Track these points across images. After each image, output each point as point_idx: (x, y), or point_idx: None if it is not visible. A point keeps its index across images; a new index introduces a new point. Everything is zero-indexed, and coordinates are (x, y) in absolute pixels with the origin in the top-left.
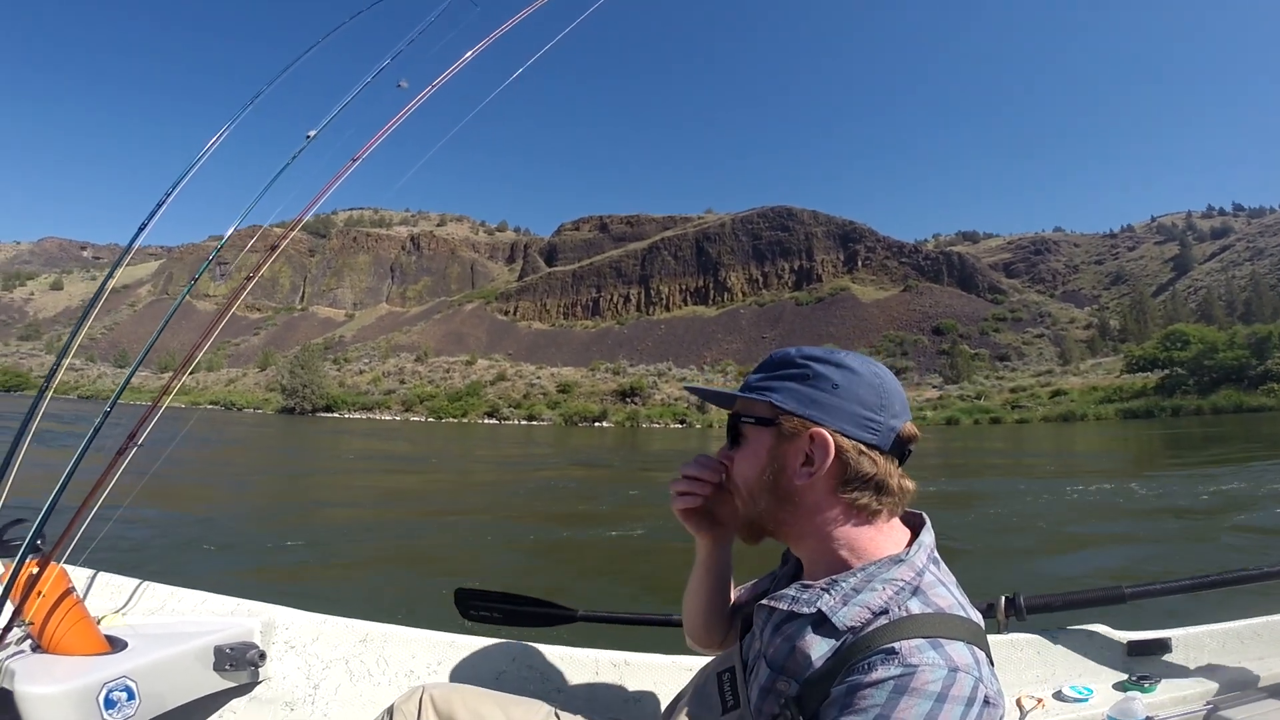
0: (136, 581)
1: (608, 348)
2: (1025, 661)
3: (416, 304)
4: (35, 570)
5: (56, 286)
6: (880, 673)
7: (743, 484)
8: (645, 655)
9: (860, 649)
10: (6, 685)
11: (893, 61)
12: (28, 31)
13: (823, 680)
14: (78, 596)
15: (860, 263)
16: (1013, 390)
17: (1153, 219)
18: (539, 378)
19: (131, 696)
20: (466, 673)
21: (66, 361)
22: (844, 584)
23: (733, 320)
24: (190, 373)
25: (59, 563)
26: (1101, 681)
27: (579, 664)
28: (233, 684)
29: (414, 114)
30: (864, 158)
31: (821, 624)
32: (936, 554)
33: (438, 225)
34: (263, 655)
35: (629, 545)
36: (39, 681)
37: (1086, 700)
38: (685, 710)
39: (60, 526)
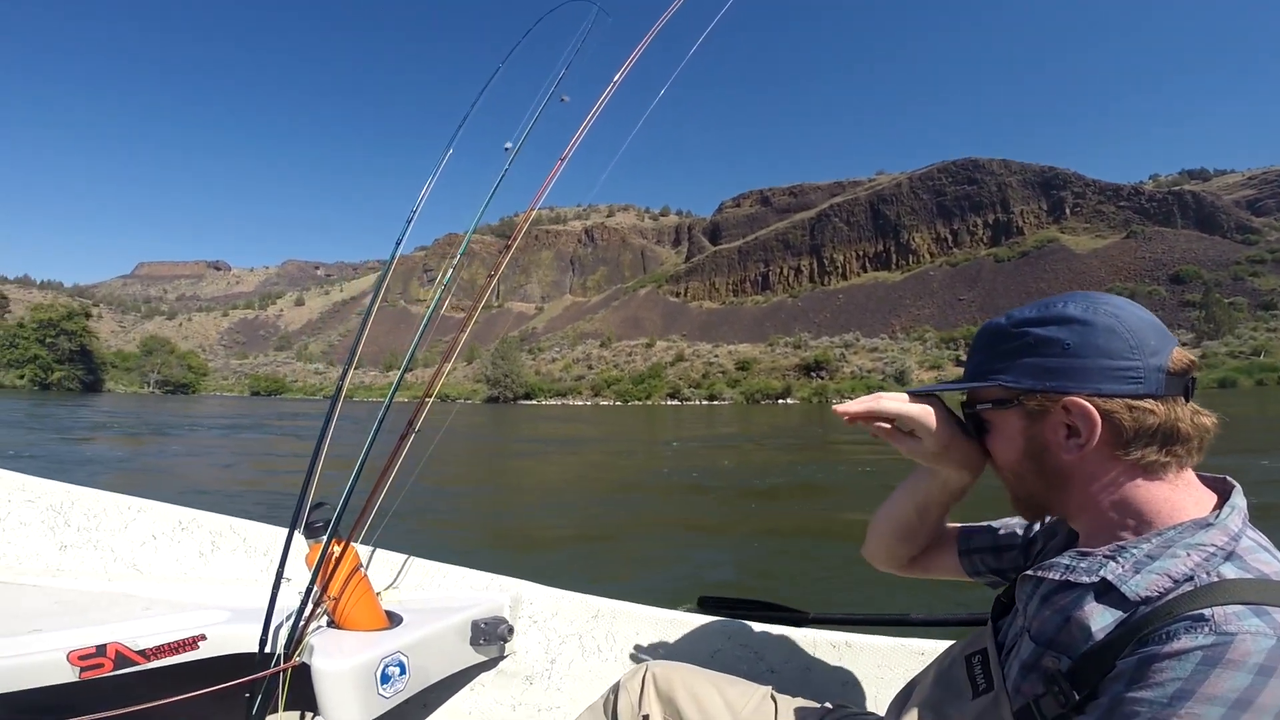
0: (406, 558)
1: (782, 321)
2: None
3: (596, 292)
4: (337, 551)
5: (299, 303)
6: (1184, 642)
7: (1005, 468)
8: (868, 636)
9: (1158, 617)
10: (306, 659)
11: None
12: (264, 89)
13: (1103, 653)
14: (365, 575)
15: (1068, 210)
16: None
17: None
18: (716, 356)
19: (403, 671)
20: (685, 650)
21: (350, 371)
22: (1135, 550)
23: (921, 284)
24: (408, 369)
25: (353, 543)
26: None
27: (796, 644)
28: (484, 658)
29: (575, 119)
30: (1060, 100)
31: (1106, 593)
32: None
33: (608, 216)
34: (511, 630)
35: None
36: (331, 656)
37: None
38: (925, 696)
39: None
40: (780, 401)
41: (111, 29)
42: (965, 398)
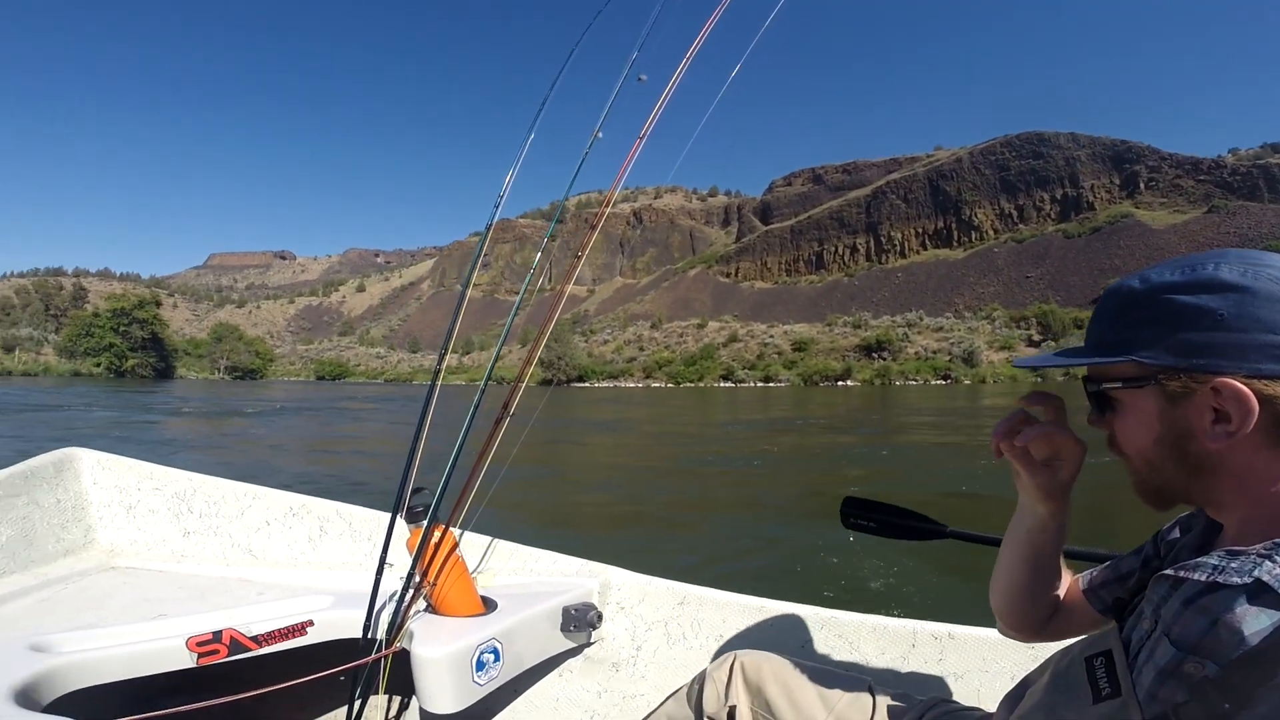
0: (499, 542)
1: (838, 301)
2: None
3: (645, 274)
4: (436, 536)
5: (360, 289)
6: None
7: (1135, 453)
8: (973, 629)
9: None
10: (405, 645)
11: None
12: (331, 88)
13: (1259, 661)
14: (462, 560)
15: (1143, 185)
16: None
17: None
18: (771, 336)
19: (497, 658)
20: (774, 639)
21: (447, 356)
22: None
23: (985, 261)
24: (467, 353)
25: (451, 529)
26: None
27: (894, 635)
28: (573, 644)
29: (650, 98)
30: (1128, 73)
31: (1261, 595)
32: None
33: (655, 198)
34: (600, 616)
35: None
36: (429, 643)
37: None
38: (1039, 698)
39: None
40: (840, 383)
41: (188, 30)
42: (1085, 373)
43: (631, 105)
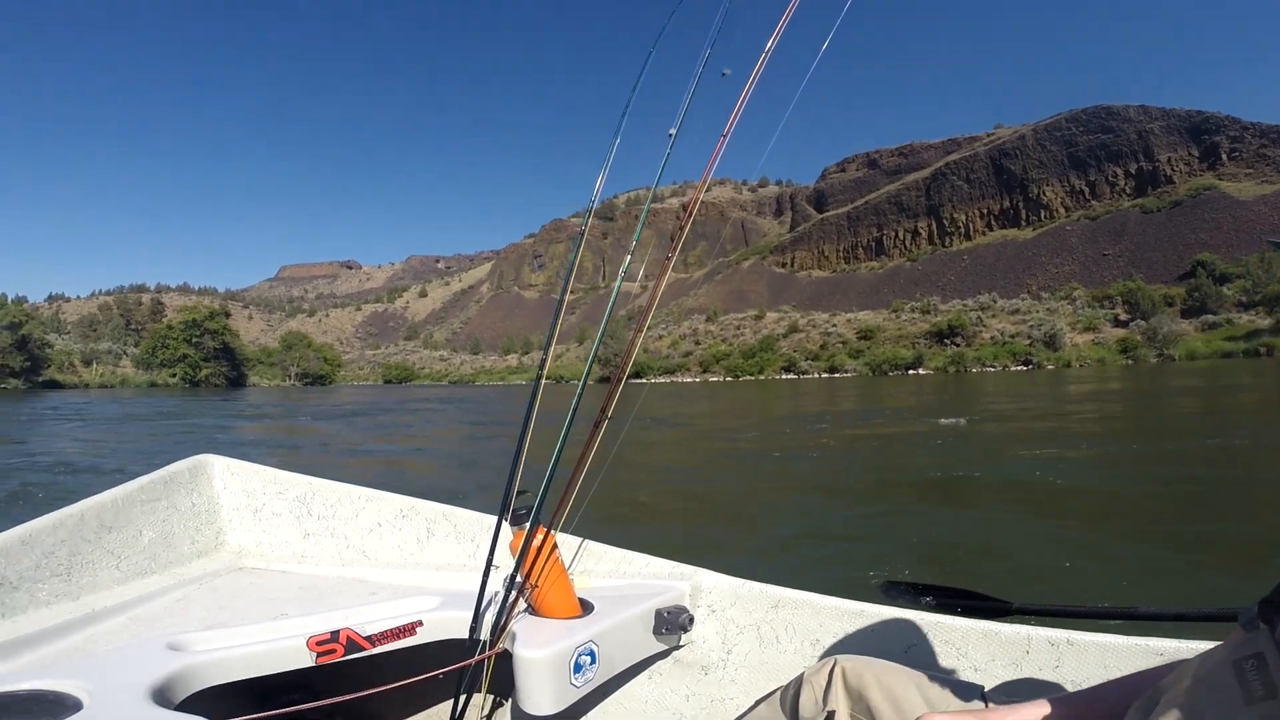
0: (591, 543)
1: (901, 287)
2: None
3: (698, 267)
4: (538, 539)
5: (423, 294)
6: None
7: None
8: (1092, 635)
9: None
10: (508, 647)
11: None
12: (395, 102)
13: None
14: (561, 562)
15: (1225, 156)
16: None
17: None
18: (834, 325)
19: (594, 661)
20: (875, 644)
21: (548, 359)
22: None
23: (1058, 240)
24: (526, 353)
25: (553, 531)
26: None
27: (1006, 641)
28: (664, 647)
29: (724, 91)
30: (1200, 42)
31: None
32: None
33: (704, 191)
34: (691, 619)
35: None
36: (529, 645)
37: None
38: (1180, 703)
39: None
40: (910, 372)
41: (255, 37)
42: None
43: (703, 101)
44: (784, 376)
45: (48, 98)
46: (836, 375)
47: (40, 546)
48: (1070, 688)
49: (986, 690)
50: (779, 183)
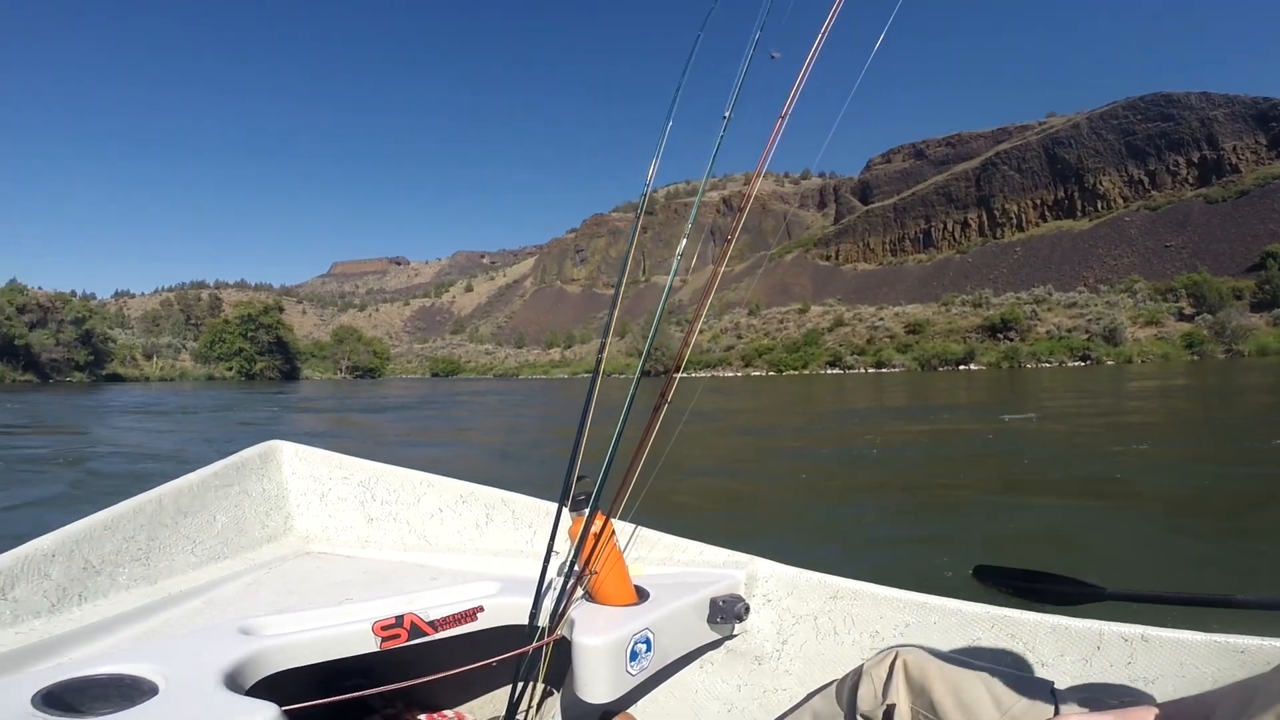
0: (646, 531)
1: (950, 279)
2: None
3: (739, 261)
4: (597, 526)
5: (469, 289)
6: None
7: None
8: (1169, 630)
9: None
10: (566, 633)
11: None
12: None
13: None
14: (619, 549)
15: None
16: None
17: None
18: (881, 319)
19: (649, 649)
20: (936, 637)
21: (605, 350)
22: None
23: (1116, 231)
24: (568, 346)
25: (611, 518)
26: None
27: (1075, 636)
28: (717, 636)
29: (776, 77)
30: (1260, 26)
31: None
32: None
33: (744, 184)
34: (747, 609)
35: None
36: (588, 632)
37: None
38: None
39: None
40: (961, 367)
41: (309, 45)
42: None
43: (751, 86)
44: (829, 371)
45: (112, 106)
46: (884, 370)
47: (122, 531)
48: (1143, 686)
49: (1056, 687)
50: (822, 175)
